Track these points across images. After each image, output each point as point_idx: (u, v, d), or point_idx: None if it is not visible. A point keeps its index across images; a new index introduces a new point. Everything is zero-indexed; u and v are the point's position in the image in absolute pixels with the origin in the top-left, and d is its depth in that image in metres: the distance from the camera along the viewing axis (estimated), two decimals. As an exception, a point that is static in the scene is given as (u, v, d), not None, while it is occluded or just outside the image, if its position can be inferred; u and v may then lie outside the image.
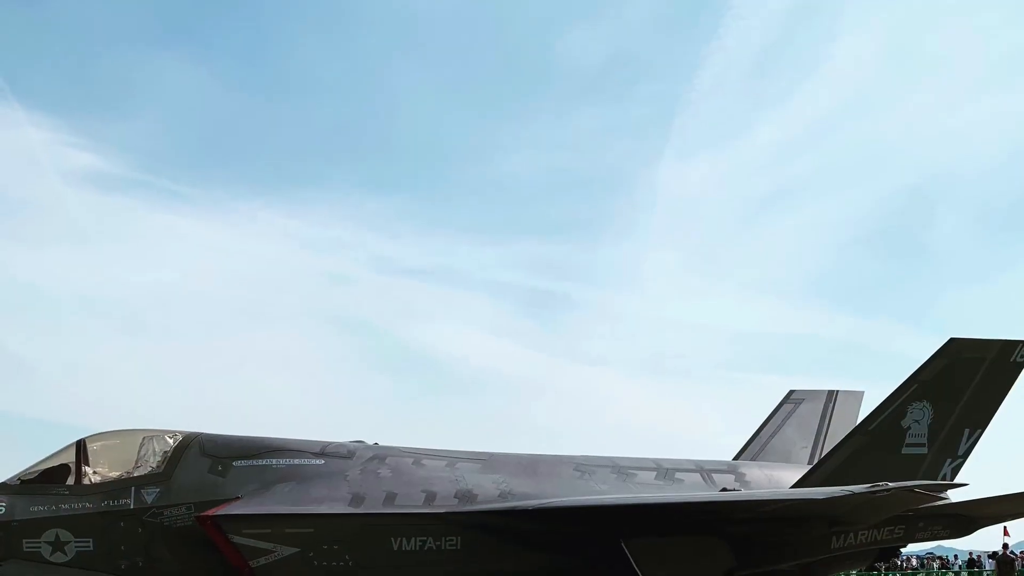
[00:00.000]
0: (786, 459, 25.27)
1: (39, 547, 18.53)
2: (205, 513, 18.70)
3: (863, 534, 20.96)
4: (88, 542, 18.67)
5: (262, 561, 18.76)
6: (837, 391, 27.42)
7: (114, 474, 19.23)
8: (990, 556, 56.54)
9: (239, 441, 20.16)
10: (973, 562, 67.83)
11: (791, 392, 27.49)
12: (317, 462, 20.25)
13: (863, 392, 27.39)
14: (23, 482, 19.00)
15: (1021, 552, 59.93)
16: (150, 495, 18.94)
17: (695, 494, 21.45)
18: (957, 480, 21.62)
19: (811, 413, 26.95)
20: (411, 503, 19.66)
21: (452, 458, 21.28)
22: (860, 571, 40.47)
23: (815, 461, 23.75)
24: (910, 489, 17.30)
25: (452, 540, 19.47)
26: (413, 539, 19.35)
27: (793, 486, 22.00)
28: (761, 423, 27.07)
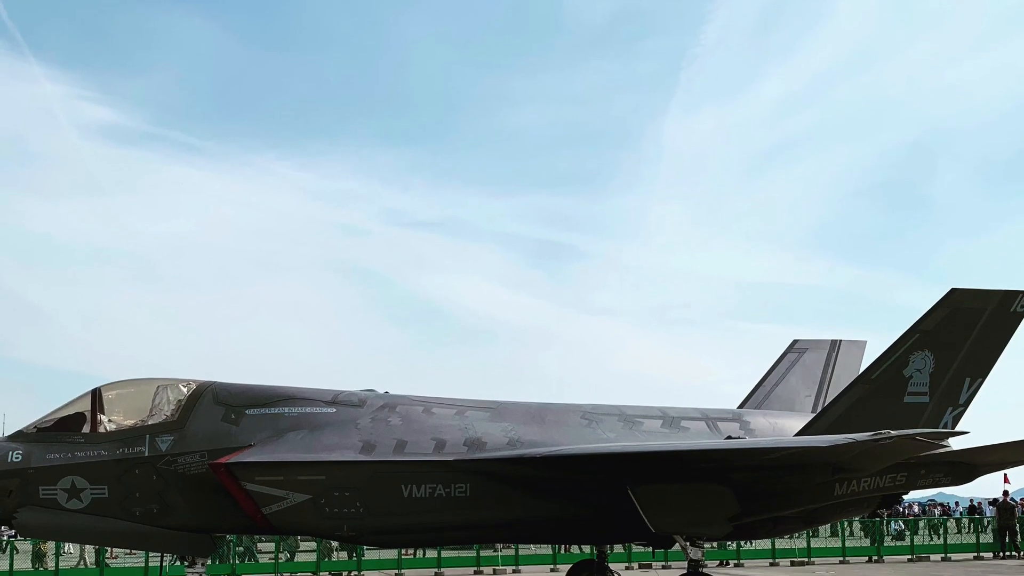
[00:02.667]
0: (790, 407, 25.40)
1: (55, 494, 18.71)
2: (218, 461, 18.82)
3: (866, 481, 21.07)
4: (103, 489, 18.84)
5: (274, 508, 18.95)
6: (840, 341, 27.51)
7: (129, 422, 19.37)
8: (991, 503, 56.89)
9: (252, 390, 20.29)
10: (974, 509, 68.18)
11: (795, 342, 27.59)
12: (329, 410, 20.40)
13: (865, 342, 27.48)
14: (39, 430, 19.14)
15: (1021, 499, 60.27)
16: (164, 443, 19.09)
17: (700, 442, 21.57)
18: (958, 428, 21.75)
19: (814, 362, 27.07)
20: (421, 451, 19.81)
21: (461, 407, 21.42)
22: (863, 518, 40.80)
23: (818, 410, 23.84)
24: (912, 437, 17.44)
25: (461, 487, 19.64)
26: (423, 486, 19.51)
27: (797, 434, 22.13)
28: (765, 372, 27.16)
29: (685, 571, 19.48)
